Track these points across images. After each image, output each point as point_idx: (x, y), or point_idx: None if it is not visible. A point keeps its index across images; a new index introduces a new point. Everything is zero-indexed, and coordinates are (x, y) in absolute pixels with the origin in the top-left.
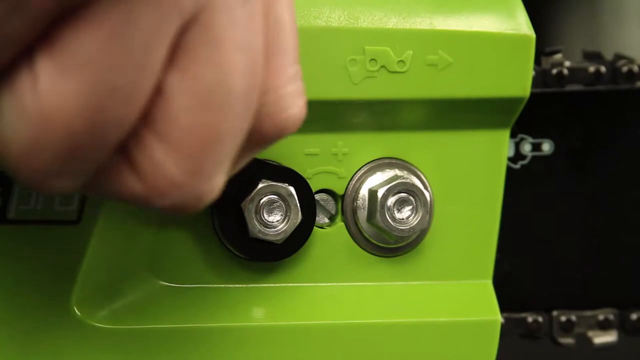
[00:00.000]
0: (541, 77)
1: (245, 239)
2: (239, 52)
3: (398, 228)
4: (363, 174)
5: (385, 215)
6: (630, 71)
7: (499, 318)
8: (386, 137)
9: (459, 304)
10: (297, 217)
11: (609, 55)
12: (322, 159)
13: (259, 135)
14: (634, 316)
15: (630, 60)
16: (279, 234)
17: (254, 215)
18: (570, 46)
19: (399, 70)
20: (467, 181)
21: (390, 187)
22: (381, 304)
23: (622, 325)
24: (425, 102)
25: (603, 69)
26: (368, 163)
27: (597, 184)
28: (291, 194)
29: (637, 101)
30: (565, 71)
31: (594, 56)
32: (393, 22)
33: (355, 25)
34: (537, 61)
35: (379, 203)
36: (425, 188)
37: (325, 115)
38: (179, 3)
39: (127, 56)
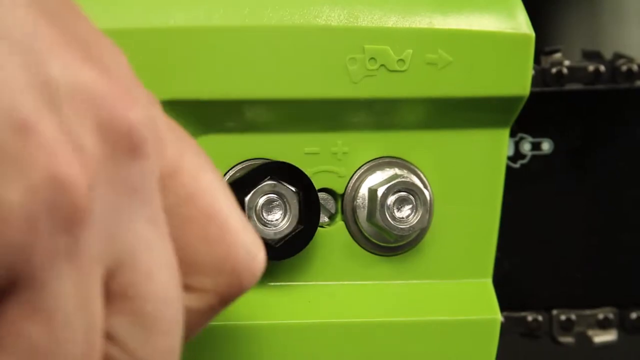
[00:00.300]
0: (541, 76)
1: None
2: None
3: (398, 227)
4: (363, 173)
5: (385, 214)
6: (629, 70)
7: (498, 317)
8: (386, 136)
9: (459, 302)
10: (298, 216)
11: (608, 55)
12: (322, 158)
13: None
14: (633, 315)
15: (630, 60)
16: (278, 233)
17: (253, 214)
18: (570, 46)
19: (398, 69)
20: (467, 180)
21: (390, 186)
22: (381, 302)
23: (622, 324)
24: (425, 101)
25: (602, 68)
26: (368, 162)
27: (597, 183)
28: (293, 194)
29: (637, 100)
30: (565, 70)
31: (594, 55)
32: (393, 21)
33: (355, 24)
34: (537, 60)
35: (378, 202)
36: (425, 187)
37: (325, 115)
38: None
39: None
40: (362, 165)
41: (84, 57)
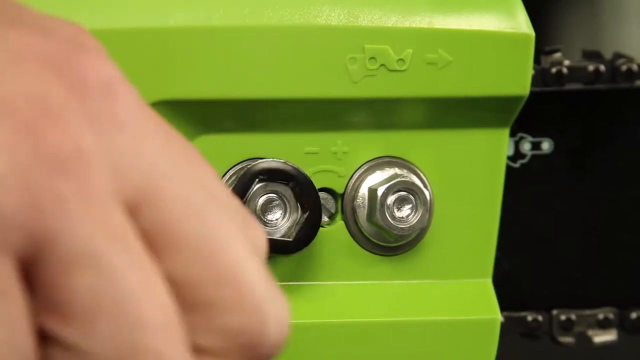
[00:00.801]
0: (540, 76)
1: None
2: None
3: (398, 227)
4: (363, 172)
5: (385, 214)
6: (629, 70)
7: (498, 317)
8: (386, 135)
9: (459, 302)
10: (298, 214)
11: (608, 55)
12: (322, 158)
13: None
14: (633, 315)
15: (630, 59)
16: (285, 229)
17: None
18: (570, 45)
19: (398, 69)
20: (467, 180)
21: (390, 185)
22: (380, 302)
23: (622, 324)
24: (424, 101)
25: (602, 67)
26: (368, 162)
27: (597, 182)
28: (290, 192)
29: (637, 100)
30: (565, 70)
31: (594, 55)
32: (393, 20)
33: (355, 24)
34: (537, 60)
35: (378, 202)
36: (425, 187)
37: (325, 114)
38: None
39: None
40: (362, 165)
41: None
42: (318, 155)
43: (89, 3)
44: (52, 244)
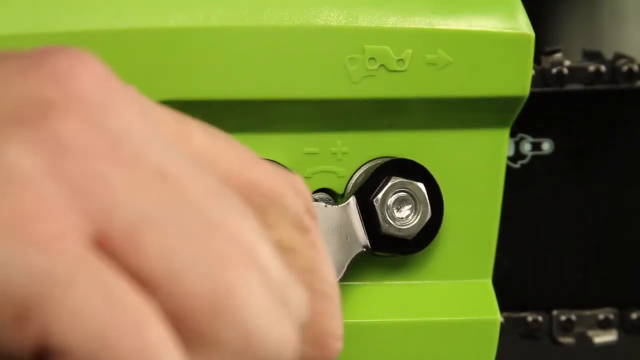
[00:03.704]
0: (541, 77)
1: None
2: None
3: (398, 227)
4: (362, 173)
5: (385, 215)
6: (630, 70)
7: (498, 317)
8: (385, 136)
9: (459, 303)
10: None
11: (609, 55)
12: (322, 158)
13: None
14: (633, 315)
15: (630, 60)
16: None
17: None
18: (570, 46)
19: (398, 69)
20: (467, 180)
21: (389, 186)
22: (380, 303)
23: (622, 325)
24: (424, 101)
25: (603, 68)
26: (367, 162)
27: (597, 183)
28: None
29: (637, 100)
30: (565, 70)
31: (594, 55)
32: (392, 21)
33: (355, 24)
34: (537, 60)
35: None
36: (430, 186)
37: (325, 115)
38: None
39: None
40: (361, 166)
41: None
42: (318, 156)
43: (90, 4)
44: None
